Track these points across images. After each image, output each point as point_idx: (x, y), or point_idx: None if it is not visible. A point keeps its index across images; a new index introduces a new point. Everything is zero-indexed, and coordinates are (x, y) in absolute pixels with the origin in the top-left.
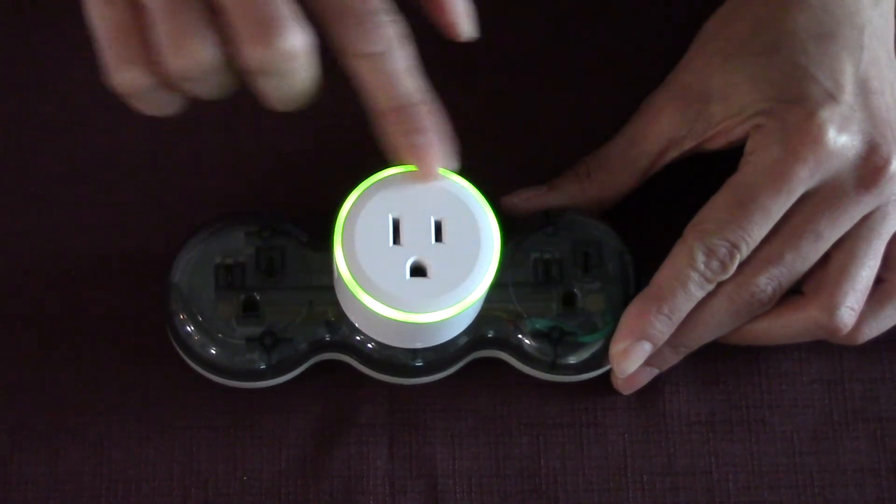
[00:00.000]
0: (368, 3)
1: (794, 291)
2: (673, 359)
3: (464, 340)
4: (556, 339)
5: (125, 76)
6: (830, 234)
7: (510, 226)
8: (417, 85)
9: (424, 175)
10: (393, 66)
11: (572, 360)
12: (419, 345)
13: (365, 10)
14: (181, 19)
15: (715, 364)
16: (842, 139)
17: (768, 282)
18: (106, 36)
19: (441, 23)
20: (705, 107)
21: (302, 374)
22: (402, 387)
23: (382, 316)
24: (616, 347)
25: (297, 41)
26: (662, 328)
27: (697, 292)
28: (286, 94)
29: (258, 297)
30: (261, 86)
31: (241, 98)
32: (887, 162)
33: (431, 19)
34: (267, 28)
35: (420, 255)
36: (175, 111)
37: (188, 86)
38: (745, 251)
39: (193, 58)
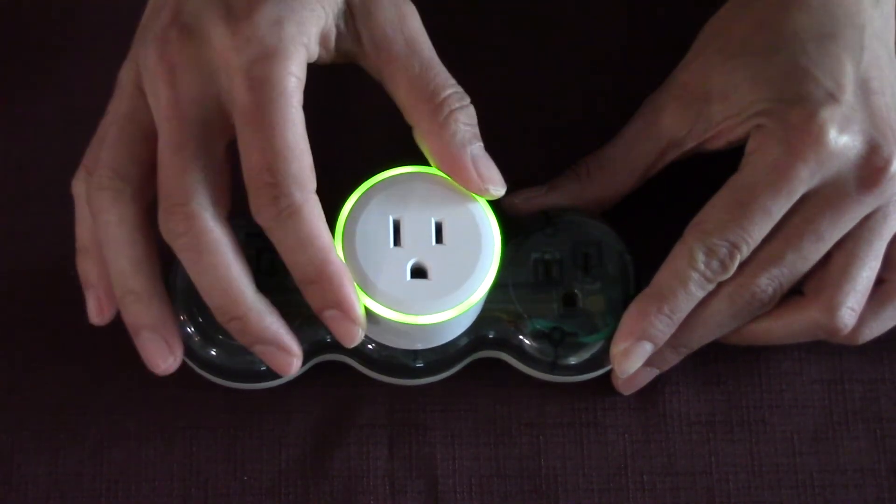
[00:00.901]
0: (261, 178)
1: (795, 292)
2: (673, 359)
3: (464, 341)
4: (557, 340)
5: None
6: (831, 234)
7: (510, 226)
8: (319, 257)
9: (342, 341)
10: (287, 239)
11: (573, 360)
12: (420, 346)
13: (255, 184)
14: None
15: (715, 364)
16: (843, 139)
17: (769, 282)
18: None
19: (472, 191)
20: (706, 107)
21: (302, 374)
22: (402, 387)
23: (383, 317)
24: (617, 347)
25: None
26: (663, 328)
27: (698, 292)
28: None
29: None
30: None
31: None
32: (888, 162)
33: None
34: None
35: (420, 256)
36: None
37: None
38: (746, 251)
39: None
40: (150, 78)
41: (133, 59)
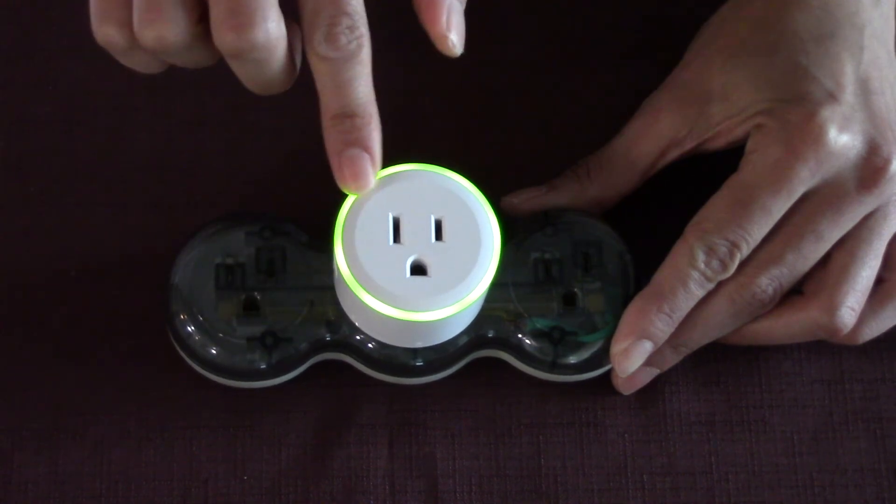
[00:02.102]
0: (339, 7)
1: (795, 291)
2: (673, 359)
3: (464, 340)
4: (557, 339)
5: (104, 32)
6: (831, 234)
7: (510, 226)
8: (364, 98)
9: (348, 185)
10: (345, 74)
11: (573, 359)
12: (419, 344)
13: (332, 13)
14: None
15: (715, 364)
16: (843, 139)
17: (769, 282)
18: None
19: (432, 35)
20: (706, 107)
21: (302, 374)
22: (402, 387)
23: (383, 315)
24: (617, 347)
25: (268, 33)
26: (663, 327)
27: (698, 291)
28: (259, 79)
29: (259, 297)
30: (234, 68)
31: (242, 98)
32: (888, 162)
33: (424, 28)
34: (241, 16)
35: (420, 253)
36: (159, 71)
37: (161, 55)
38: (746, 250)
39: (160, 34)
40: None
41: None
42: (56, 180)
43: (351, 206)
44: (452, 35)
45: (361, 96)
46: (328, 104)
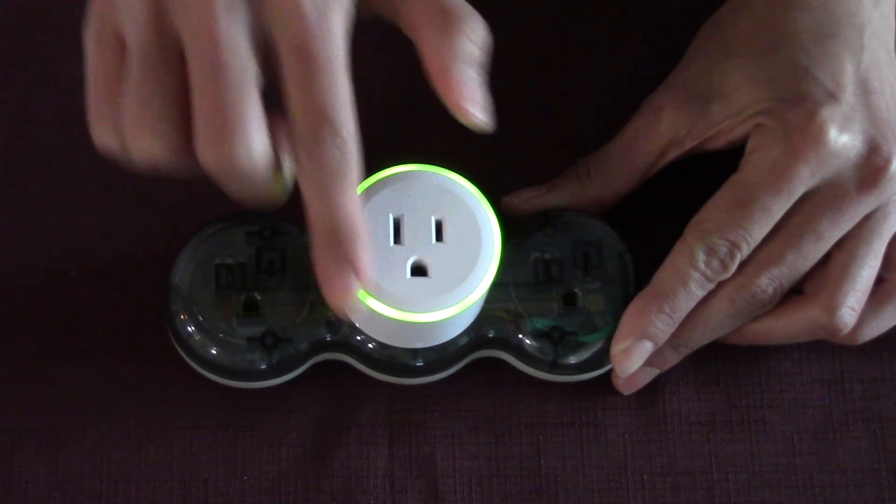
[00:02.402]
0: (325, 122)
1: (795, 291)
2: (673, 359)
3: (464, 340)
4: (557, 339)
5: (98, 136)
6: (831, 234)
7: (510, 226)
8: (350, 212)
9: (330, 300)
10: (330, 189)
11: (573, 359)
12: (419, 344)
13: (314, 122)
14: (145, 101)
15: (715, 364)
16: (843, 139)
17: (769, 282)
18: (91, 87)
19: (451, 110)
20: (706, 106)
21: (302, 374)
22: (402, 387)
23: (383, 315)
24: (617, 347)
25: (252, 148)
26: (663, 327)
27: (698, 291)
28: (245, 195)
29: (259, 297)
30: (220, 184)
31: None
32: (888, 162)
33: (443, 102)
34: (223, 129)
35: (420, 254)
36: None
37: (149, 167)
38: (746, 250)
39: (144, 147)
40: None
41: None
42: (56, 180)
43: None
44: (475, 111)
45: (346, 212)
46: (313, 216)
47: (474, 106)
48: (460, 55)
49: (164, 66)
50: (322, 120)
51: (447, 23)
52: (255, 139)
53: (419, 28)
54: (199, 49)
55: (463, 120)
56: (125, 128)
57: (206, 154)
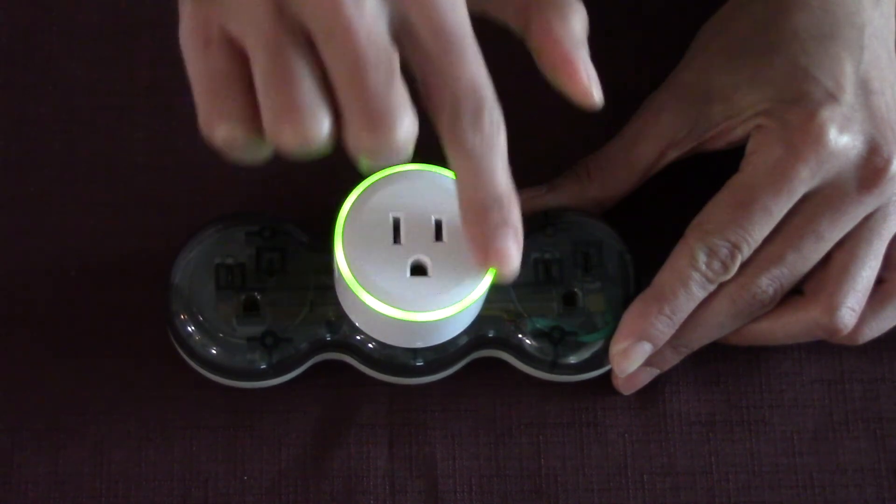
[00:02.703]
0: (480, 100)
1: (795, 292)
2: (674, 359)
3: (464, 340)
4: (557, 339)
5: (223, 131)
6: (831, 234)
7: None
8: (509, 180)
9: (504, 269)
10: (490, 163)
11: (573, 359)
12: (419, 344)
13: (475, 105)
14: (293, 90)
15: (715, 364)
16: (843, 139)
17: (770, 282)
18: (203, 85)
19: (573, 93)
20: (706, 107)
21: (302, 374)
22: (402, 387)
23: (383, 315)
24: (616, 347)
25: (406, 133)
26: (663, 328)
27: (699, 292)
28: (377, 167)
29: (259, 297)
30: (360, 162)
31: None
32: (888, 162)
33: (558, 85)
34: (378, 119)
35: (420, 254)
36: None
37: (291, 154)
38: (747, 251)
39: (304, 135)
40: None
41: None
42: (56, 180)
43: (351, 207)
44: (595, 90)
45: (506, 181)
46: (474, 193)
47: (596, 88)
48: (577, 39)
49: (298, 55)
50: (477, 97)
51: (560, 8)
52: (407, 124)
53: (532, 16)
54: (337, 41)
55: (584, 103)
56: (272, 118)
57: (362, 142)
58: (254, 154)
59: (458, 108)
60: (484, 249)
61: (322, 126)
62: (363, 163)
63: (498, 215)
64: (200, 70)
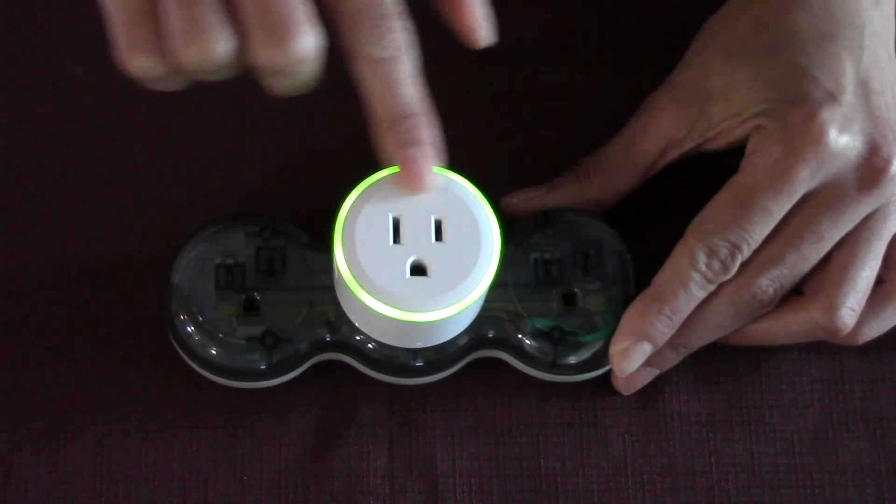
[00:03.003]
0: (381, 8)
1: (795, 292)
2: (673, 359)
3: (464, 340)
4: (557, 339)
5: (138, 63)
6: (831, 234)
7: (510, 226)
8: (418, 95)
9: (413, 186)
10: (397, 73)
11: (573, 359)
12: (419, 344)
13: (377, 14)
14: (195, 11)
15: (715, 364)
16: (843, 139)
17: (769, 283)
18: (119, 20)
19: (460, 28)
20: (705, 107)
21: (302, 374)
22: (402, 387)
23: (383, 315)
24: (616, 347)
25: (308, 45)
26: (663, 329)
27: (699, 293)
28: (291, 87)
29: (258, 298)
30: (268, 81)
31: (242, 98)
32: (888, 163)
33: (449, 24)
34: (281, 31)
35: (420, 254)
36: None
37: (199, 75)
38: (747, 252)
39: (206, 53)
40: None
41: None
42: (56, 180)
43: (351, 207)
44: (482, 26)
45: (415, 94)
46: (381, 107)
47: (485, 26)
48: None
49: None
50: (378, 9)
51: None
52: (310, 35)
53: None
54: None
55: (469, 40)
56: (178, 40)
57: (264, 54)
58: (169, 83)
59: (358, 19)
60: (401, 163)
61: (224, 44)
62: (272, 83)
63: (402, 130)
64: (115, 3)
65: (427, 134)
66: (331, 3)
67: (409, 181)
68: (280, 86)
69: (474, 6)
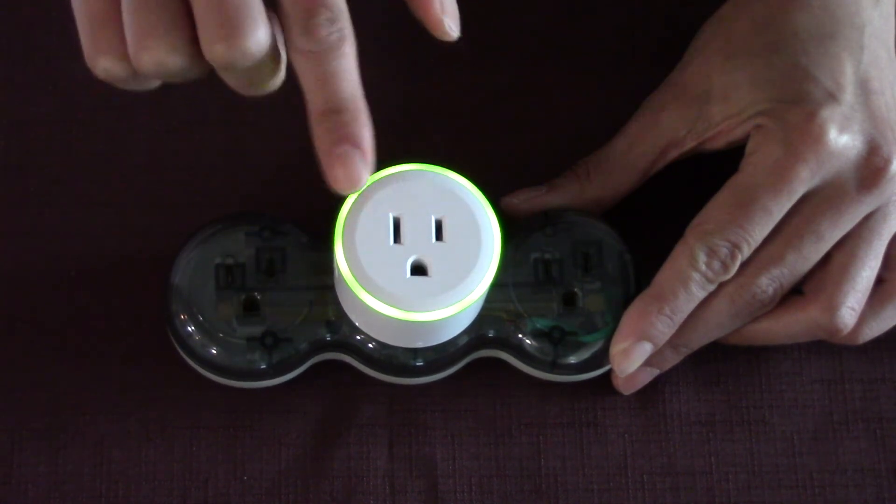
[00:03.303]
0: (316, 0)
1: (795, 292)
2: (673, 359)
3: (464, 340)
4: (557, 339)
5: (101, 66)
6: (831, 234)
7: (510, 226)
8: (351, 90)
9: (339, 184)
10: (330, 67)
11: (573, 359)
12: (420, 344)
13: (309, 6)
14: (149, 16)
15: (715, 364)
16: (843, 139)
17: (769, 282)
18: (83, 23)
19: (425, 21)
20: (705, 107)
21: (302, 374)
22: (402, 387)
23: (383, 315)
24: (616, 347)
25: (259, 40)
26: (663, 328)
27: (699, 293)
28: (250, 85)
29: (258, 298)
30: (224, 78)
31: (242, 98)
32: (888, 162)
33: (417, 17)
34: (230, 25)
35: (420, 253)
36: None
37: (159, 78)
38: (747, 251)
39: (159, 59)
40: None
41: None
42: (56, 180)
43: (351, 207)
44: (448, 20)
45: (347, 90)
46: (313, 101)
47: (451, 18)
48: None
49: None
50: (318, 3)
51: None
52: (260, 31)
53: None
54: None
55: (437, 34)
56: (132, 44)
57: (216, 52)
58: (136, 84)
59: (293, 10)
60: (326, 163)
61: (171, 47)
62: (229, 80)
63: (331, 125)
64: (81, 5)
65: (357, 131)
66: None
67: (334, 179)
68: (238, 83)
69: (438, 4)
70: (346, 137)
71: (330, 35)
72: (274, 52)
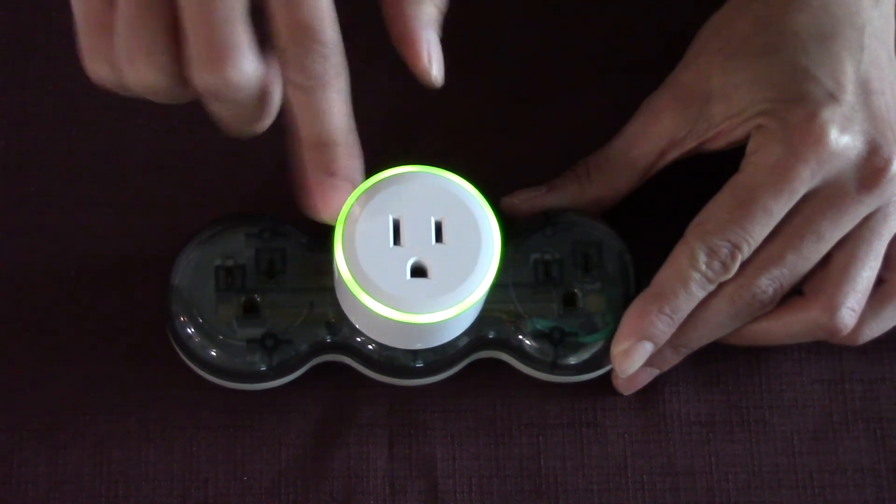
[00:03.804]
0: (311, 35)
1: (795, 292)
2: (673, 359)
3: (464, 341)
4: (557, 340)
5: (95, 70)
6: (832, 234)
7: (510, 227)
8: (342, 124)
9: (315, 212)
10: (322, 102)
11: (573, 360)
12: (420, 346)
13: (306, 43)
14: (139, 33)
15: (715, 364)
16: (843, 139)
17: (769, 282)
18: (82, 25)
19: (414, 70)
20: (706, 107)
21: (302, 375)
22: (402, 387)
23: (383, 316)
24: (617, 348)
25: (246, 71)
26: (664, 328)
27: (699, 292)
28: (234, 119)
29: (258, 299)
30: (210, 108)
31: None
32: (888, 163)
33: (405, 62)
34: (217, 54)
35: (420, 255)
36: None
37: (143, 95)
38: (747, 251)
39: (141, 76)
40: None
41: None
42: (56, 180)
43: (351, 208)
44: (434, 70)
45: (340, 124)
46: (306, 133)
47: (437, 69)
48: (426, 20)
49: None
50: (305, 30)
51: None
52: (247, 62)
53: None
54: None
55: (423, 80)
56: (120, 59)
57: (201, 78)
58: (131, 92)
59: (288, 43)
60: (315, 191)
61: (157, 68)
62: (214, 109)
63: (323, 157)
64: (80, 11)
65: (345, 165)
66: (269, 19)
67: (313, 207)
68: (225, 117)
69: (426, 53)
70: (335, 170)
71: (324, 71)
72: (261, 88)
